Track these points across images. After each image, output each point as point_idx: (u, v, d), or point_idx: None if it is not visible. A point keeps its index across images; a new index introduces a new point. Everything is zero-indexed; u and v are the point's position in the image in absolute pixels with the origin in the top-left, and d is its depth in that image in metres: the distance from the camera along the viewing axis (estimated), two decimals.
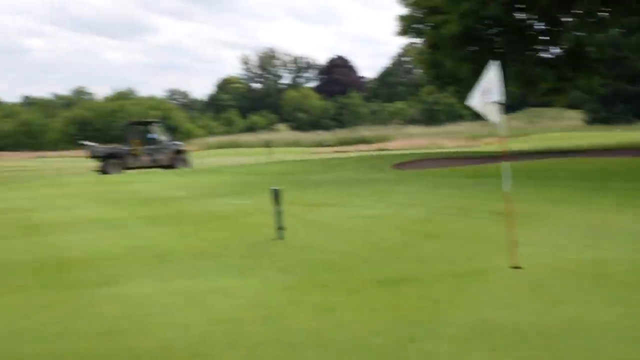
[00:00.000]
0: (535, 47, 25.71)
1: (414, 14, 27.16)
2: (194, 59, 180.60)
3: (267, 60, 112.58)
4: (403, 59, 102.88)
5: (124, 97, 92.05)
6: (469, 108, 7.46)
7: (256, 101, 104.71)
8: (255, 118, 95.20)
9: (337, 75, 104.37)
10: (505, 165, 6.46)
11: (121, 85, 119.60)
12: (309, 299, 5.38)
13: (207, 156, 48.29)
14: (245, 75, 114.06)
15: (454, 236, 8.11)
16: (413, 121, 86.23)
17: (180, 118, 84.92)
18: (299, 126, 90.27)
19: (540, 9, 23.36)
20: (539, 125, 67.49)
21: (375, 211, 10.73)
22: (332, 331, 4.48)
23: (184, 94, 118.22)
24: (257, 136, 72.71)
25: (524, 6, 23.96)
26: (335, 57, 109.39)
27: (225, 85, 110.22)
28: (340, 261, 6.87)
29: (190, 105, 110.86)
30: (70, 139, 72.15)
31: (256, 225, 9.49)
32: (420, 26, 27.24)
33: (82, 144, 34.11)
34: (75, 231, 10.04)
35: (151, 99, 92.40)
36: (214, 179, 20.38)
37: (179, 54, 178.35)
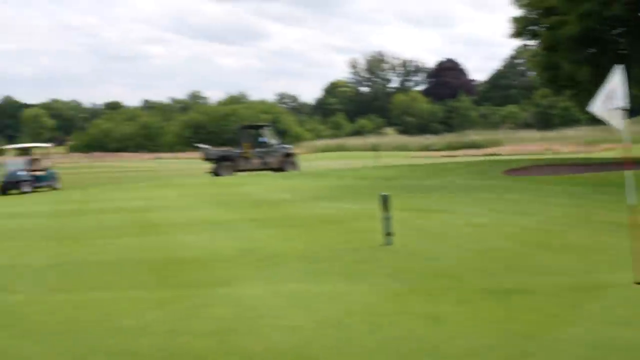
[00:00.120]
0: None
1: (529, 16, 26.24)
2: (304, 64, 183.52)
3: (376, 64, 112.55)
4: (516, 61, 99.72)
5: (236, 101, 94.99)
6: (586, 112, 7.12)
7: (364, 105, 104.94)
8: (362, 122, 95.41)
9: (447, 78, 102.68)
10: (628, 174, 6.11)
11: (234, 90, 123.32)
12: (417, 307, 5.32)
13: (315, 159, 48.91)
14: (353, 79, 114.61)
15: (570, 248, 7.76)
16: (525, 125, 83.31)
17: (290, 121, 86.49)
18: (406, 130, 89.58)
19: None
20: None
21: (486, 219, 10.45)
22: (443, 342, 4.40)
23: (294, 98, 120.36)
24: (364, 140, 72.79)
25: None
26: (445, 59, 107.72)
27: (333, 89, 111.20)
28: (449, 269, 6.75)
29: (299, 109, 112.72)
30: (185, 142, 75.23)
31: (364, 230, 9.48)
32: (535, 28, 26.27)
33: (197, 147, 35.42)
34: (189, 231, 10.43)
35: (262, 102, 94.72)
36: (321, 182, 20.59)
37: (290, 58, 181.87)
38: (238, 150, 31.39)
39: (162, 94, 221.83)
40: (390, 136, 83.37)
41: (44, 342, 4.84)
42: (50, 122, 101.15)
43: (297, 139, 75.83)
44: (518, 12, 26.76)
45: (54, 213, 14.62)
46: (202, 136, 70.36)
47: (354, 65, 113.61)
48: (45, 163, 27.92)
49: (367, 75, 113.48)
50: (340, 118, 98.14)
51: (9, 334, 5.10)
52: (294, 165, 31.34)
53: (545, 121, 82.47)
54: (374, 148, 50.85)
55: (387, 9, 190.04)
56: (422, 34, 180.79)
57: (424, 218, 10.80)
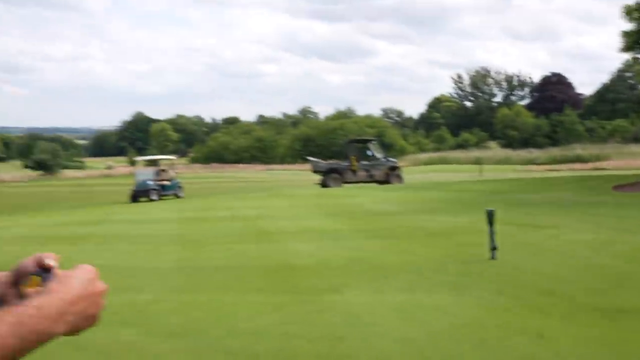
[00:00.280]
0: None
1: None
2: (408, 79, 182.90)
3: (480, 79, 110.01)
4: (625, 74, 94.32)
5: (343, 116, 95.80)
6: None
7: (467, 119, 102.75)
8: (465, 135, 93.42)
9: (552, 92, 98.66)
10: None
11: (341, 105, 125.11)
12: (524, 322, 5.12)
13: (418, 172, 48.37)
14: (457, 94, 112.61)
15: None
16: (635, 140, 78.43)
17: (394, 135, 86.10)
18: (509, 143, 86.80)
19: None
20: None
21: (593, 235, 9.90)
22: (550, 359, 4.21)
23: (398, 113, 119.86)
24: (467, 153, 71.21)
25: None
26: (550, 74, 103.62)
27: (437, 103, 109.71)
28: (555, 286, 6.45)
29: (403, 123, 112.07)
30: (295, 154, 76.68)
31: (468, 244, 9.26)
32: None
33: (306, 159, 35.98)
34: (300, 240, 10.59)
35: (368, 117, 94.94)
36: (425, 194, 20.32)
37: (395, 74, 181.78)
38: (345, 163, 31.57)
39: (275, 110, 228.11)
40: (494, 150, 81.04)
41: (169, 340, 5.05)
42: (175, 135, 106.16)
43: (401, 152, 75.35)
44: (629, 26, 25.35)
45: (178, 220, 15.28)
46: (311, 149, 71.39)
47: (458, 81, 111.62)
48: (170, 173, 29.32)
49: (471, 90, 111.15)
50: (443, 132, 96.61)
51: (137, 330, 5.36)
52: (399, 178, 31.13)
53: None
54: (477, 161, 49.62)
55: (491, 25, 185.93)
56: (527, 49, 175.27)
57: (529, 233, 10.40)
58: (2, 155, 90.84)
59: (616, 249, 8.59)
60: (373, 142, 34.48)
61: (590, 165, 53.62)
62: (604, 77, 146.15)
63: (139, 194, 26.45)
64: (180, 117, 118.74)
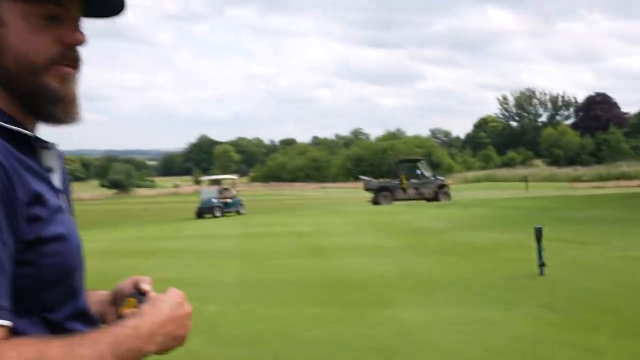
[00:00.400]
0: None
1: None
2: (456, 101, 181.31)
3: (525, 100, 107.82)
4: None
5: (393, 136, 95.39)
6: None
7: (513, 138, 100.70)
8: (512, 154, 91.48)
9: (597, 111, 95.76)
10: None
11: (391, 127, 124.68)
12: (573, 338, 4.96)
13: (465, 189, 47.58)
14: (502, 114, 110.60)
15: None
16: None
17: (442, 155, 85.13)
18: (555, 161, 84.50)
19: None
20: None
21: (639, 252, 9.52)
22: None
23: (446, 133, 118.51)
24: (513, 171, 69.65)
25: None
26: (594, 94, 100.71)
27: (483, 124, 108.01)
28: (605, 302, 6.22)
29: (450, 143, 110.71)
30: (347, 173, 76.65)
31: (516, 260, 9.04)
32: None
33: (359, 178, 35.90)
34: (353, 255, 10.55)
35: (416, 137, 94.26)
36: (473, 211, 19.97)
37: (443, 97, 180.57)
38: (396, 182, 31.38)
39: (329, 131, 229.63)
40: (539, 167, 79.01)
41: (233, 349, 5.11)
42: (236, 156, 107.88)
43: (448, 170, 74.39)
44: None
45: (240, 235, 15.48)
46: (362, 168, 71.25)
47: (503, 102, 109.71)
48: (232, 192, 29.74)
49: (516, 111, 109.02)
50: (490, 151, 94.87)
51: (204, 339, 5.43)
52: (447, 195, 30.71)
53: None
54: (523, 179, 48.50)
55: (536, 48, 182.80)
56: (571, 70, 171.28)
57: (577, 249, 10.08)
58: (82, 176, 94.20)
59: None
60: (422, 161, 34.19)
61: (635, 182, 51.55)
62: None
63: (204, 211, 26.92)
64: (241, 139, 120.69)
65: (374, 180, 34.43)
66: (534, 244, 7.81)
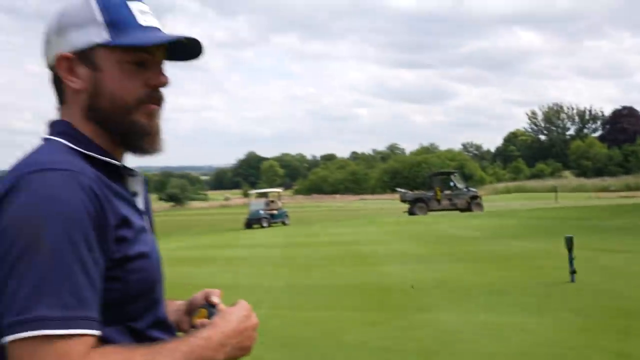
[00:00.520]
0: None
1: None
2: (486, 117, 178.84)
3: (553, 114, 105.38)
4: None
5: (427, 151, 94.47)
6: None
7: (542, 151, 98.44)
8: (541, 166, 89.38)
9: (624, 124, 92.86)
10: None
11: (425, 141, 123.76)
12: (605, 343, 4.81)
13: (496, 200, 46.68)
14: (531, 128, 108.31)
15: None
16: None
17: (474, 167, 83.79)
18: (583, 172, 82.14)
19: None
20: None
21: None
22: None
23: (477, 147, 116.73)
24: (543, 182, 67.99)
25: None
26: (621, 107, 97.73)
27: (512, 137, 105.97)
28: (635, 308, 6.02)
29: (481, 156, 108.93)
30: (384, 186, 76.19)
31: (547, 267, 8.82)
32: None
33: (395, 190, 35.61)
34: (391, 262, 10.47)
35: (449, 151, 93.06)
36: (505, 221, 19.58)
37: (474, 113, 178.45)
38: (430, 193, 31.05)
39: (366, 147, 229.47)
40: (568, 178, 76.88)
41: (282, 350, 5.12)
42: (281, 171, 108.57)
43: (480, 182, 73.14)
44: None
45: (285, 244, 15.55)
46: (398, 181, 70.70)
47: (532, 117, 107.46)
48: (278, 204, 29.90)
49: (544, 125, 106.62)
50: (519, 163, 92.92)
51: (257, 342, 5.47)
52: (479, 206, 30.21)
53: None
54: (552, 189, 47.34)
55: (563, 65, 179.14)
56: (598, 85, 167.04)
57: (606, 257, 9.77)
58: None
59: None
60: (455, 174, 33.75)
61: None
62: None
63: (252, 222, 27.12)
64: (285, 155, 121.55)
65: (410, 192, 34.17)
66: (564, 252, 7.62)
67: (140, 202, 1.07)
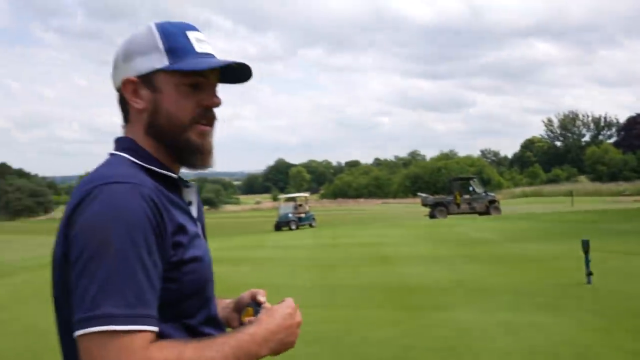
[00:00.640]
0: None
1: None
2: (503, 124, 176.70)
3: (569, 122, 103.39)
4: None
5: (446, 157, 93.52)
6: None
7: (558, 157, 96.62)
8: (557, 171, 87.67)
9: (639, 130, 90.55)
10: None
11: (445, 148, 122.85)
12: (621, 343, 4.73)
13: (514, 204, 45.94)
14: (547, 135, 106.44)
15: None
16: None
17: (492, 173, 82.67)
18: (599, 177, 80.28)
19: None
20: None
21: None
22: None
23: (495, 153, 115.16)
24: (559, 186, 66.67)
25: None
26: (636, 114, 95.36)
27: (529, 144, 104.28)
28: None
29: (499, 162, 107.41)
30: (406, 190, 75.67)
31: (564, 269, 8.69)
32: None
33: (417, 195, 35.36)
34: (413, 263, 10.42)
35: (468, 157, 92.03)
36: (522, 224, 19.28)
37: (491, 121, 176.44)
38: (450, 198, 30.77)
39: (389, 153, 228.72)
40: (584, 183, 75.22)
41: (313, 345, 5.14)
42: (308, 176, 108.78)
43: (498, 187, 72.13)
44: None
45: (313, 246, 15.57)
46: (419, 186, 70.22)
47: (548, 124, 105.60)
48: (305, 207, 29.97)
49: (560, 132, 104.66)
50: (536, 168, 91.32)
51: None
52: (497, 210, 29.83)
53: None
54: (568, 193, 46.44)
55: (578, 74, 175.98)
56: (613, 93, 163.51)
57: (621, 259, 9.58)
58: None
59: None
60: (474, 179, 33.38)
61: None
62: None
63: (282, 225, 27.23)
64: (312, 161, 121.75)
65: (430, 196, 33.90)
66: (580, 254, 7.50)
67: (194, 211, 1.12)
